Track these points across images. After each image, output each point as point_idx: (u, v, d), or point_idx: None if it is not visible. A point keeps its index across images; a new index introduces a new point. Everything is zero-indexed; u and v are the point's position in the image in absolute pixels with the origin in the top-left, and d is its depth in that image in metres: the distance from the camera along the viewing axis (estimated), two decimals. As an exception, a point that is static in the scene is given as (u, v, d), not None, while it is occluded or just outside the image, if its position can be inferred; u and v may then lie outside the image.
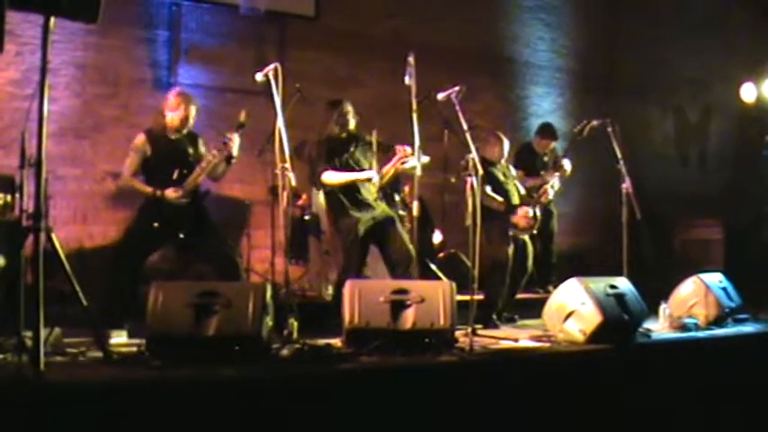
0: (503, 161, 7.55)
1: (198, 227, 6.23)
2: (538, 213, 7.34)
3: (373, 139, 6.45)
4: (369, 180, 6.41)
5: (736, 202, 10.57)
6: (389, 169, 6.42)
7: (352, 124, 6.63)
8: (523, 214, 7.23)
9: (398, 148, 6.29)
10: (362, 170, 6.50)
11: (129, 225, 6.47)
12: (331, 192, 6.53)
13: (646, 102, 11.49)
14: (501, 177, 7.43)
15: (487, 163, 7.21)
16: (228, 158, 6.28)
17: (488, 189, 7.15)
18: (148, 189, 6.14)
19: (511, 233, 7.20)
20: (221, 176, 6.51)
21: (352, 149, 6.57)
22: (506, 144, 7.48)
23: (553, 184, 7.46)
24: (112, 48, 8.21)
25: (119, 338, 5.46)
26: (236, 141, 6.18)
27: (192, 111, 6.30)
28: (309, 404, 4.37)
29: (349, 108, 6.63)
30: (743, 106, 11.18)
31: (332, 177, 6.45)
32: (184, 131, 6.32)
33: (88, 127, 8.09)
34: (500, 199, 7.24)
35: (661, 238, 9.99)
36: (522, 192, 7.58)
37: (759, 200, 10.27)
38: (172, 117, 6.24)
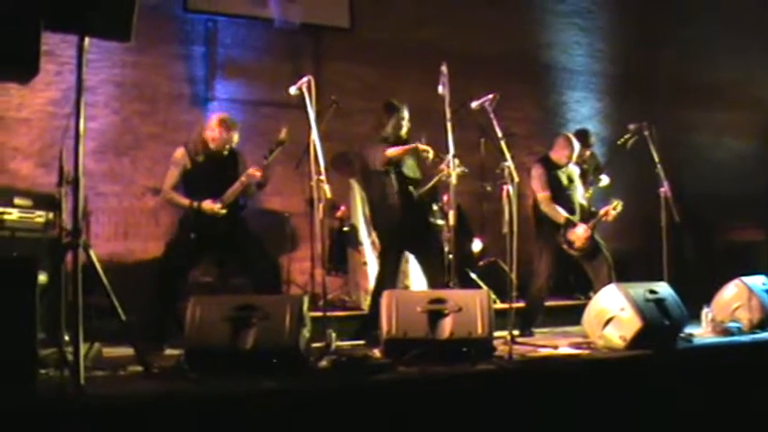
0: (570, 165, 7.25)
1: (237, 239, 6.25)
2: (595, 235, 6.97)
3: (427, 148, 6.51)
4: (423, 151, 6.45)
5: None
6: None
7: (405, 130, 6.67)
8: (582, 233, 6.86)
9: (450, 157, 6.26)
10: (415, 175, 6.61)
11: (169, 239, 6.52)
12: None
13: (686, 103, 11.34)
14: (564, 181, 7.14)
15: (552, 165, 7.13)
16: (260, 185, 6.34)
17: (546, 196, 6.99)
18: (186, 201, 6.16)
19: (564, 247, 6.92)
20: (252, 195, 6.54)
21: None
22: (576, 148, 7.21)
23: (616, 205, 7.04)
24: (149, 65, 8.32)
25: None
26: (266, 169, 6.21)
27: (234, 138, 6.28)
28: (348, 415, 4.38)
29: (406, 114, 6.66)
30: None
31: (393, 150, 6.46)
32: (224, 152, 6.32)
33: (127, 144, 8.20)
34: (563, 213, 6.94)
35: (703, 241, 9.88)
36: (584, 201, 7.33)
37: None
38: (212, 140, 6.22)
